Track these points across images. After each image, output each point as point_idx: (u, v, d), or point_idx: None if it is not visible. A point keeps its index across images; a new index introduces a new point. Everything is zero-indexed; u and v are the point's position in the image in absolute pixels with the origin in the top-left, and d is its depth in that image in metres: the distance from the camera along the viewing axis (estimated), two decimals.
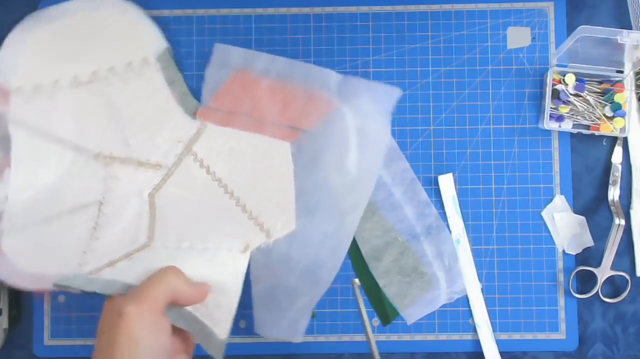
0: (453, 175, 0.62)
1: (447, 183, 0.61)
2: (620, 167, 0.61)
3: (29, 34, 0.59)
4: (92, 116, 0.60)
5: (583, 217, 0.61)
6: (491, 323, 0.61)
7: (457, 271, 0.61)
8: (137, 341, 0.44)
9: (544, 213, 0.61)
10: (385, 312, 0.61)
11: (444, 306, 0.61)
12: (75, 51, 0.60)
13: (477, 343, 0.61)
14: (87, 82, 0.60)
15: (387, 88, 0.59)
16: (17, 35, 0.60)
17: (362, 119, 0.58)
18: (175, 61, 0.62)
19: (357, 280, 0.61)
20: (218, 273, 0.54)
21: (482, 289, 0.61)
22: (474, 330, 0.61)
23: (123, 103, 0.60)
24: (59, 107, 0.59)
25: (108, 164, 0.59)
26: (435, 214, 0.61)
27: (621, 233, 0.60)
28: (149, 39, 0.61)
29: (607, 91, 0.60)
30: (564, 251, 0.61)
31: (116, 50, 0.60)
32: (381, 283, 0.61)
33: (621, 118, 0.60)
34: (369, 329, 0.60)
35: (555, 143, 0.62)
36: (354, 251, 0.61)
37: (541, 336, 0.61)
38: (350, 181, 0.58)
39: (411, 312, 0.61)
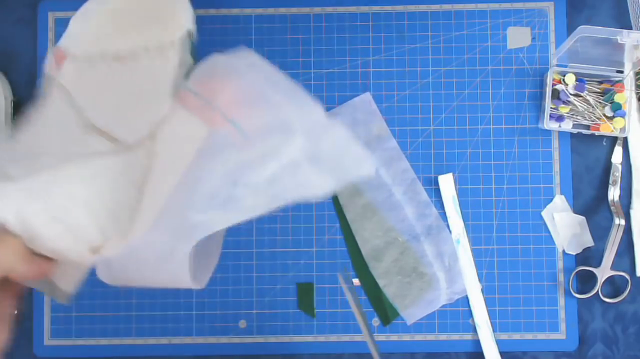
0: (453, 175, 0.62)
1: (447, 183, 0.61)
2: (620, 167, 0.61)
3: (104, 5, 0.59)
4: (111, 92, 0.59)
5: (583, 217, 0.61)
6: (491, 323, 0.61)
7: (457, 271, 0.61)
8: None
9: (544, 213, 0.61)
10: (385, 312, 0.61)
11: (444, 306, 0.61)
12: (129, 26, 0.59)
13: (477, 343, 0.61)
14: (123, 58, 0.59)
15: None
16: (94, 4, 0.59)
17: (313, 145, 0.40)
18: (193, 46, 0.58)
19: (356, 280, 0.61)
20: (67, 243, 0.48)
21: (482, 289, 0.61)
22: (474, 330, 0.61)
23: (139, 83, 0.59)
24: (93, 80, 0.58)
25: (88, 133, 0.56)
26: (436, 214, 0.61)
27: (621, 233, 0.60)
28: (183, 20, 0.58)
29: (607, 90, 0.60)
30: (564, 251, 0.61)
31: (154, 29, 0.59)
32: (381, 283, 0.61)
33: (621, 118, 0.60)
34: (365, 330, 0.60)
35: (555, 143, 0.62)
36: (354, 251, 0.61)
37: (541, 336, 0.61)
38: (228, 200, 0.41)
39: (411, 312, 0.61)
